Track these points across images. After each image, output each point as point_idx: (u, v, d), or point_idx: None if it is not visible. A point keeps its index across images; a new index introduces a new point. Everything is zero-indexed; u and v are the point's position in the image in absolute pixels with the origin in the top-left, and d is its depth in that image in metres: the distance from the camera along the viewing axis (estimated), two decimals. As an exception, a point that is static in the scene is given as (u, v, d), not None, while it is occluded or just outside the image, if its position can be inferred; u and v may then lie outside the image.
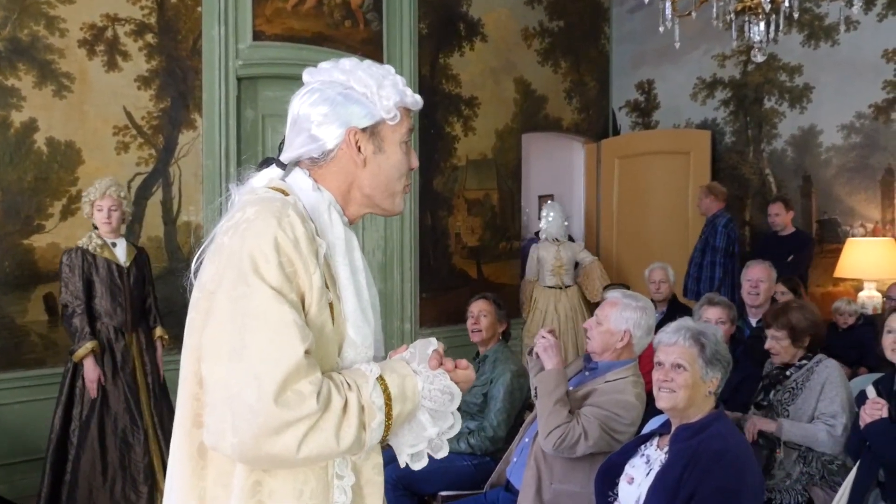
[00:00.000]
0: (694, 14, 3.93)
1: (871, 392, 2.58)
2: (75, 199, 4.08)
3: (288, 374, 1.08)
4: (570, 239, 6.40)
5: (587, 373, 2.69)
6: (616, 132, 7.16)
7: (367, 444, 1.17)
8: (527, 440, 2.74)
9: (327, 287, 1.21)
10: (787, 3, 3.68)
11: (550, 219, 6.10)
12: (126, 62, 4.33)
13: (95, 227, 3.63)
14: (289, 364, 1.08)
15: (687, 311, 4.22)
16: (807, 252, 5.33)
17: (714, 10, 3.84)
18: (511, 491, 2.73)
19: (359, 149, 1.30)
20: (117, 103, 4.30)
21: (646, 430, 2.41)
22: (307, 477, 1.18)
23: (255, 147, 4.80)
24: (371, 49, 5.21)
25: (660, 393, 2.11)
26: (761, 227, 5.94)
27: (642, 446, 2.25)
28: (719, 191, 5.60)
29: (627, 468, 2.22)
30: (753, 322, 3.99)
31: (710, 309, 3.49)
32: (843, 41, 5.57)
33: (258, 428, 1.06)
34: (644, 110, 6.97)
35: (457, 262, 5.94)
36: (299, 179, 1.31)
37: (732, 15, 3.85)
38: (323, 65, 1.35)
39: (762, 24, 3.80)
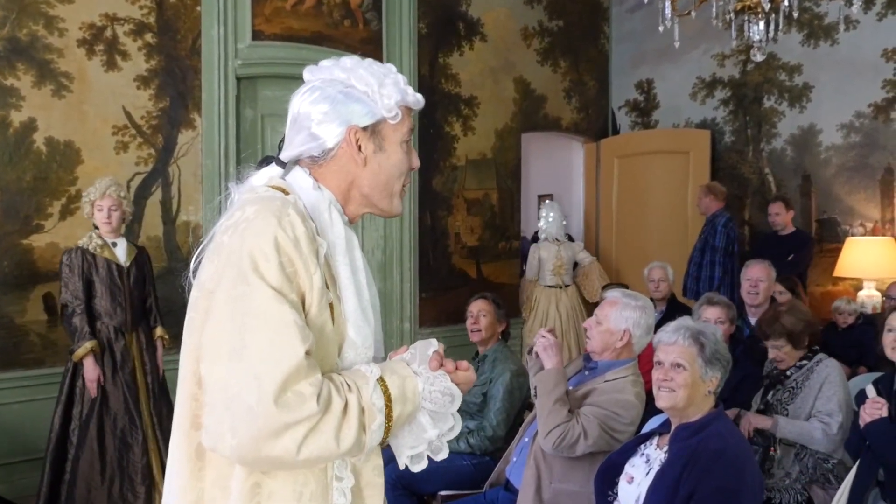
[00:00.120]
0: (693, 13, 3.93)
1: (870, 391, 2.58)
2: (74, 198, 4.07)
3: (288, 375, 1.06)
4: (570, 238, 6.41)
5: (587, 372, 2.69)
6: (615, 132, 7.15)
7: (368, 446, 1.16)
8: (526, 440, 2.74)
9: (327, 287, 1.20)
10: (786, 3, 3.68)
11: (550, 219, 6.13)
12: (125, 62, 4.33)
13: (96, 227, 3.63)
14: (289, 365, 1.07)
15: (686, 311, 4.20)
16: (806, 251, 5.33)
17: (713, 9, 3.84)
18: (511, 490, 2.73)
19: (359, 147, 1.28)
20: (116, 103, 4.30)
21: (645, 429, 2.41)
22: (307, 479, 1.17)
23: (254, 147, 4.80)
24: (370, 49, 5.20)
25: (659, 392, 2.11)
26: (761, 227, 5.93)
27: (642, 446, 2.25)
28: (719, 190, 5.59)
29: (627, 467, 2.22)
30: (753, 321, 3.99)
31: (710, 308, 3.49)
32: (843, 40, 5.56)
33: (257, 430, 1.05)
34: (643, 110, 6.96)
35: (456, 262, 5.94)
36: (299, 178, 1.29)
37: (732, 14, 3.85)
38: (324, 63, 1.33)
39: (762, 24, 3.79)
